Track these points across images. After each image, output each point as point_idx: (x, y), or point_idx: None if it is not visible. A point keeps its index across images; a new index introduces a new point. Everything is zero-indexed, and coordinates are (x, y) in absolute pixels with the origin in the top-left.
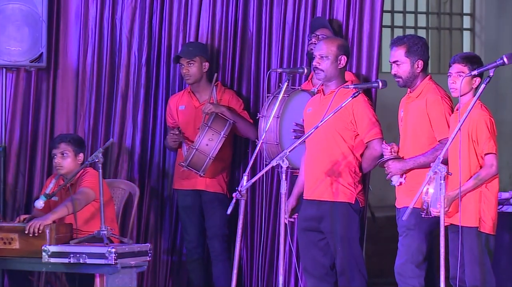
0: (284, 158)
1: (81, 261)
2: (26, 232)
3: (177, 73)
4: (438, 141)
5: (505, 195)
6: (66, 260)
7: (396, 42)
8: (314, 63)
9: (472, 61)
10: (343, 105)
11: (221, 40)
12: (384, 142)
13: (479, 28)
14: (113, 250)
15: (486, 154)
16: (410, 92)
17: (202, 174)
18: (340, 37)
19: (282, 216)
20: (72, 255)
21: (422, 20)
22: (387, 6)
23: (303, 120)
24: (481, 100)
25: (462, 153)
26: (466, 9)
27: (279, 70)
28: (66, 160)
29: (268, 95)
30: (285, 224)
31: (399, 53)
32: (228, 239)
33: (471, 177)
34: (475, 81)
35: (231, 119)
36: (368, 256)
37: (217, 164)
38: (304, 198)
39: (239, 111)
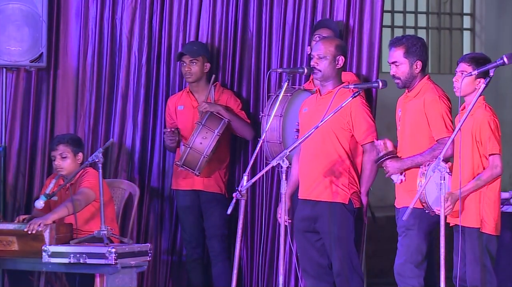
0: (284, 158)
1: (81, 261)
2: (26, 229)
3: (177, 73)
4: (436, 141)
5: (505, 195)
6: (66, 260)
7: (394, 43)
8: (312, 63)
9: (479, 62)
10: (343, 105)
11: (221, 40)
12: (375, 139)
13: (479, 28)
14: (113, 250)
15: (490, 154)
16: (408, 91)
17: (197, 173)
18: (340, 38)
19: (282, 216)
20: (72, 255)
21: (422, 20)
22: (387, 6)
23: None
24: (484, 100)
25: (466, 153)
26: (466, 9)
27: (279, 70)
28: (66, 162)
29: (270, 94)
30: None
31: (398, 54)
32: (227, 239)
33: (474, 177)
34: (479, 81)
35: (226, 118)
36: (368, 256)
37: (215, 164)
38: (299, 197)
39: (236, 111)
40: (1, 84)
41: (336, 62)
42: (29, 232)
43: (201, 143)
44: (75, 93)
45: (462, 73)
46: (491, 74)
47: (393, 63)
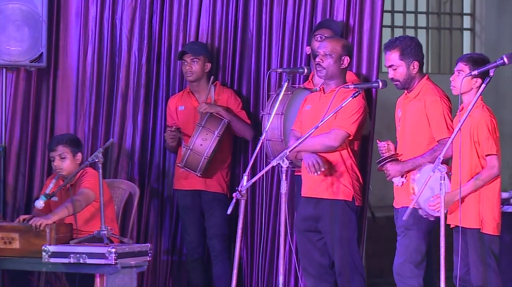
0: (284, 158)
1: (81, 261)
2: (30, 222)
3: (177, 73)
4: (437, 142)
5: (505, 195)
6: (66, 260)
7: (388, 46)
8: (317, 59)
9: (476, 61)
10: (343, 105)
11: (221, 40)
12: (378, 140)
13: (479, 28)
14: (113, 250)
15: (487, 155)
16: (408, 92)
17: (199, 174)
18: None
19: (282, 216)
20: (72, 255)
21: (422, 20)
22: (387, 6)
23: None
24: (482, 101)
25: (464, 154)
26: (466, 9)
27: (279, 70)
28: (65, 162)
29: (271, 93)
30: (285, 224)
31: (394, 57)
32: (228, 239)
33: (472, 178)
34: (476, 81)
35: (226, 119)
36: (368, 256)
37: (216, 164)
38: (302, 195)
39: (236, 111)
40: (1, 84)
41: (341, 62)
42: (33, 226)
43: (201, 144)
44: (75, 93)
45: (459, 73)
46: (491, 74)
47: (390, 66)
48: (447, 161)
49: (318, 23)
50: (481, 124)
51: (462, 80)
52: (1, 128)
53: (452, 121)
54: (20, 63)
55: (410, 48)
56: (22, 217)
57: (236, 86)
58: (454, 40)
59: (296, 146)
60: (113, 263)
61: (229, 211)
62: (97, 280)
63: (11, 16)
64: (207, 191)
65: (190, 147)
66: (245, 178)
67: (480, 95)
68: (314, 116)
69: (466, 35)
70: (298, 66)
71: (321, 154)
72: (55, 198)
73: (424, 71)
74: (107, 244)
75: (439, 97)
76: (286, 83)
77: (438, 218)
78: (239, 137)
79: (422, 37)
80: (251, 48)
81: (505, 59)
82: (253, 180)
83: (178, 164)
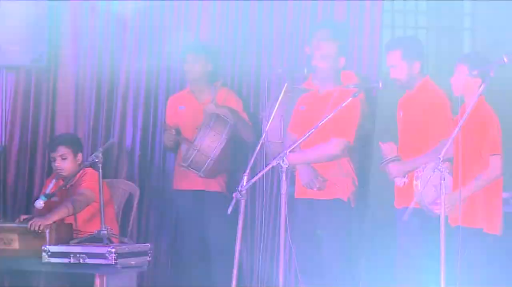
0: (284, 158)
1: (81, 261)
2: (28, 226)
3: (177, 73)
4: (438, 142)
5: (505, 195)
6: (66, 260)
7: (390, 46)
8: (313, 62)
9: (475, 61)
10: (343, 105)
11: (221, 40)
12: (380, 142)
13: (479, 28)
14: (113, 250)
15: (490, 155)
16: (409, 92)
17: (202, 175)
18: (340, 39)
19: (282, 216)
20: (72, 255)
21: (422, 20)
22: (387, 6)
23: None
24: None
25: (467, 154)
26: (466, 9)
27: (279, 70)
28: (66, 163)
29: (271, 94)
30: (285, 224)
31: (395, 57)
32: (228, 239)
33: (475, 178)
34: (476, 81)
35: (231, 121)
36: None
37: (217, 164)
38: (296, 197)
39: (239, 112)
40: (1, 84)
41: (338, 62)
42: (31, 229)
43: (209, 145)
44: (75, 93)
45: (458, 73)
46: (491, 74)
47: (391, 66)
48: (451, 160)
49: (317, 23)
50: (484, 124)
51: (463, 81)
52: (1, 128)
53: (453, 121)
54: (20, 63)
55: (412, 48)
56: (22, 217)
57: (236, 86)
58: (454, 40)
59: (296, 146)
60: (113, 263)
61: (229, 211)
62: (97, 280)
63: (11, 16)
64: (207, 191)
65: (197, 148)
66: (245, 178)
67: (480, 95)
68: (310, 117)
69: (466, 35)
70: (298, 66)
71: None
72: (55, 198)
73: (424, 71)
74: (107, 244)
75: (440, 97)
76: (286, 84)
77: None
78: (239, 137)
79: (422, 37)
80: (251, 48)
81: (505, 59)
82: (253, 180)
83: (182, 164)
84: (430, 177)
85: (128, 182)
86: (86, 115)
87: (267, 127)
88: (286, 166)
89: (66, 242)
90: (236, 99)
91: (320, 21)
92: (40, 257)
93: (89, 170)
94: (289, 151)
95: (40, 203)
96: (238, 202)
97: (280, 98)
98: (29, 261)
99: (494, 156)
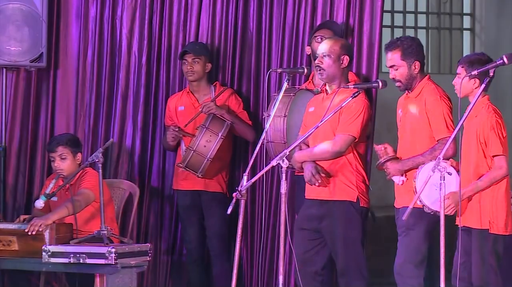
0: (284, 158)
1: (81, 261)
2: (26, 230)
3: (177, 73)
4: (437, 141)
5: None
6: (66, 260)
7: (390, 46)
8: (316, 61)
9: (472, 63)
10: (343, 105)
11: (221, 40)
12: (375, 145)
13: (479, 28)
14: (113, 250)
15: (494, 155)
16: (409, 92)
17: (200, 175)
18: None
19: (282, 216)
20: (72, 255)
21: (422, 20)
22: (387, 6)
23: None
24: (489, 101)
25: (471, 154)
26: (466, 9)
27: (279, 70)
28: (65, 163)
29: (274, 94)
30: (285, 224)
31: (395, 57)
32: (228, 239)
33: (479, 178)
34: (474, 81)
35: (229, 121)
36: (368, 256)
37: (216, 164)
38: (306, 197)
39: (238, 111)
40: (1, 84)
41: (341, 62)
42: (30, 233)
43: (205, 146)
44: (75, 93)
45: (458, 75)
46: (491, 74)
47: (391, 67)
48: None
49: (318, 24)
50: (487, 125)
51: (462, 83)
52: (1, 128)
53: (452, 120)
54: (20, 63)
55: (411, 48)
56: (22, 217)
57: (236, 86)
58: (454, 40)
59: (296, 146)
60: (113, 263)
61: (229, 211)
62: (97, 280)
63: (11, 16)
64: (207, 191)
65: (194, 149)
66: (245, 178)
67: (479, 95)
68: (317, 118)
69: (466, 35)
70: (298, 66)
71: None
72: (55, 198)
73: (424, 71)
74: (107, 244)
75: (439, 96)
76: (286, 84)
77: (438, 217)
78: (239, 137)
79: (422, 37)
80: (251, 48)
81: (505, 59)
82: (253, 180)
83: (180, 165)
84: (430, 177)
85: (128, 182)
86: (86, 115)
87: (267, 127)
88: (286, 166)
89: (66, 242)
90: (236, 99)
91: (321, 22)
92: (40, 257)
93: (89, 170)
94: (295, 150)
95: (40, 203)
96: (238, 202)
97: (280, 98)
98: (29, 261)
99: (498, 157)
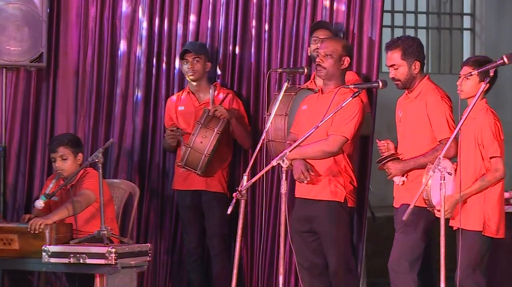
0: (284, 158)
1: (81, 261)
2: (28, 229)
3: (177, 73)
4: (439, 141)
5: (506, 195)
6: (66, 260)
7: (390, 46)
8: (317, 60)
9: (482, 64)
10: (343, 105)
11: (221, 40)
12: (377, 140)
13: (479, 28)
14: (113, 250)
15: (491, 157)
16: (409, 92)
17: (200, 173)
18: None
19: (282, 216)
20: (72, 255)
21: (422, 20)
22: (387, 6)
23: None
24: (487, 104)
25: (469, 156)
26: (466, 9)
27: (279, 70)
28: (66, 163)
29: (275, 93)
30: (285, 224)
31: (395, 56)
32: (228, 238)
33: (477, 180)
34: (476, 82)
35: (233, 126)
36: (368, 256)
37: (216, 163)
38: (295, 196)
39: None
40: (1, 84)
41: (342, 62)
42: (31, 232)
43: (201, 142)
44: (75, 93)
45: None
46: (491, 74)
47: (391, 66)
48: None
49: (313, 24)
50: (485, 127)
51: (467, 83)
52: (1, 128)
53: (453, 121)
54: (20, 63)
55: (412, 48)
56: (27, 216)
57: (236, 86)
58: (454, 40)
59: (295, 147)
60: (113, 263)
61: (229, 211)
62: (97, 280)
63: (11, 16)
64: (207, 191)
65: (190, 145)
66: (245, 178)
67: (481, 93)
68: (310, 117)
69: (466, 35)
70: (298, 66)
71: (316, 159)
72: (55, 198)
73: (424, 71)
74: (107, 244)
75: (440, 97)
76: (286, 84)
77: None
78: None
79: (422, 37)
80: (251, 48)
81: (505, 59)
82: (253, 180)
83: (179, 163)
84: (430, 177)
85: (128, 182)
86: (86, 115)
87: (267, 126)
88: (286, 166)
89: (66, 242)
90: (236, 99)
91: (316, 22)
92: (40, 257)
93: (90, 170)
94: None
95: (40, 203)
96: (238, 202)
97: (280, 98)
98: (29, 261)
99: (495, 159)
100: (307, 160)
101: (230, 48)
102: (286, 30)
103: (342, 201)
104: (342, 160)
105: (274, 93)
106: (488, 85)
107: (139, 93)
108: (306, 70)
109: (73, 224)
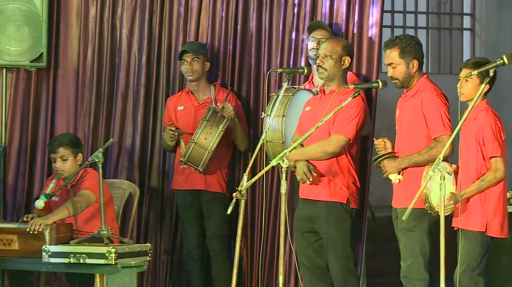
0: (284, 158)
1: (81, 261)
2: (27, 230)
3: (177, 73)
4: (434, 139)
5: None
6: (66, 260)
7: (388, 44)
8: (318, 61)
9: (481, 66)
10: (343, 105)
11: (221, 40)
12: (374, 138)
13: (479, 28)
14: (113, 250)
15: (491, 157)
16: (407, 91)
17: (201, 170)
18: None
19: (282, 216)
20: (72, 255)
21: (422, 20)
22: (387, 6)
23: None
24: (488, 104)
25: (471, 157)
26: (466, 9)
27: (279, 70)
28: (66, 164)
29: (271, 94)
30: (285, 224)
31: (393, 55)
32: (228, 238)
33: (476, 180)
34: (476, 82)
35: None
36: (368, 256)
37: (217, 162)
38: (300, 197)
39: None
40: (1, 84)
41: (342, 63)
42: (30, 232)
43: (205, 138)
44: (75, 93)
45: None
46: (491, 74)
47: (389, 64)
48: (447, 160)
49: (309, 25)
50: (486, 127)
51: (468, 85)
52: (1, 128)
53: (449, 119)
54: (20, 63)
55: (410, 47)
56: (29, 216)
57: (236, 86)
58: (454, 40)
59: (296, 146)
60: (113, 263)
61: (229, 211)
62: (97, 280)
63: (11, 16)
64: (207, 191)
65: (195, 141)
66: (245, 178)
67: (481, 93)
68: (313, 117)
69: (466, 35)
70: (298, 66)
71: (318, 160)
72: (55, 198)
73: (424, 71)
74: (107, 244)
75: (436, 94)
76: (286, 84)
77: (438, 217)
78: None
79: (422, 37)
80: (251, 48)
81: (505, 59)
82: (253, 180)
83: (180, 160)
84: (430, 177)
85: (128, 182)
86: (86, 115)
87: (267, 127)
88: (286, 166)
89: (66, 242)
90: (236, 100)
91: (312, 22)
92: (40, 257)
93: (90, 170)
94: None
95: (40, 203)
96: (238, 202)
97: (280, 98)
98: (29, 261)
99: (495, 158)
100: (310, 161)
101: (230, 48)
102: (286, 30)
103: (344, 202)
104: (346, 161)
105: (271, 94)
106: (488, 86)
107: (139, 93)
108: (306, 70)
109: (73, 224)
